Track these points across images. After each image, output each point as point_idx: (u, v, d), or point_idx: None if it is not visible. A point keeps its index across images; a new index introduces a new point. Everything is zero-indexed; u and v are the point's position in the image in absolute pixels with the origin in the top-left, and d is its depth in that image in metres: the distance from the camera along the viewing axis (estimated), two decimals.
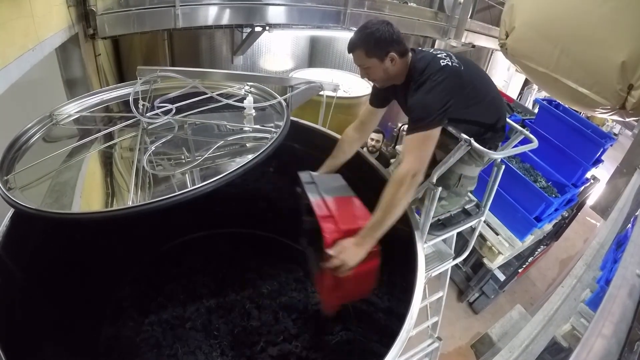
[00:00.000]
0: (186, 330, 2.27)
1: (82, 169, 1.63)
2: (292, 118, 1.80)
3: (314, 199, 1.62)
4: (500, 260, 3.66)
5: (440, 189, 1.69)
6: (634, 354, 1.05)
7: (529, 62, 3.01)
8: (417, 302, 1.45)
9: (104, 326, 2.21)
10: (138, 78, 1.96)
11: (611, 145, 3.70)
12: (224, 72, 2.24)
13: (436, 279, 2.32)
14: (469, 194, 2.15)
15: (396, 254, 1.90)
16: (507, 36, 3.18)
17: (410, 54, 1.54)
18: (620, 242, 2.04)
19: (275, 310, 2.43)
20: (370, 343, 2.23)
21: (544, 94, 5.59)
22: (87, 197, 1.60)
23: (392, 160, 2.23)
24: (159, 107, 1.76)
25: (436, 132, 1.43)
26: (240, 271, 2.65)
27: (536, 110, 4.30)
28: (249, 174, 1.42)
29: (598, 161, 3.79)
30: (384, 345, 1.33)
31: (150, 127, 1.71)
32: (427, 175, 1.67)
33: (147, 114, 1.73)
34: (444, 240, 2.12)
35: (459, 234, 2.14)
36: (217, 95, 1.90)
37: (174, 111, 1.75)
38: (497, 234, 3.69)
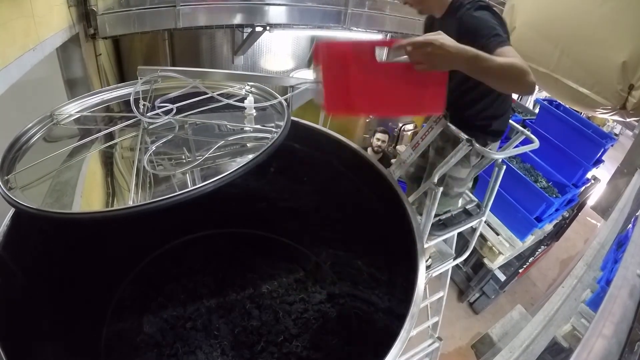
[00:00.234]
0: (186, 330, 2.27)
1: (83, 168, 1.63)
2: (292, 118, 1.79)
3: None
4: (500, 260, 3.66)
5: (441, 189, 1.70)
6: (635, 355, 1.05)
7: (529, 62, 2.97)
8: (417, 302, 1.45)
9: (104, 326, 2.21)
10: (139, 78, 1.96)
11: (612, 146, 3.70)
12: (225, 72, 2.24)
13: (437, 279, 2.32)
14: (467, 195, 2.15)
15: (397, 253, 1.90)
16: None
17: None
18: (620, 243, 2.03)
19: (275, 310, 2.43)
20: (370, 343, 2.22)
21: (544, 94, 5.58)
22: (88, 197, 1.60)
23: (392, 160, 2.23)
24: (159, 107, 1.76)
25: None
26: (240, 271, 2.65)
27: (537, 111, 4.31)
28: (249, 174, 1.42)
29: (599, 161, 3.79)
30: (385, 346, 1.33)
31: (150, 127, 1.71)
32: (429, 175, 1.67)
33: (148, 114, 1.73)
34: (445, 241, 2.12)
35: (459, 234, 2.14)
36: (218, 95, 1.90)
37: (174, 111, 1.75)
38: (497, 234, 3.69)
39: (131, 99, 1.73)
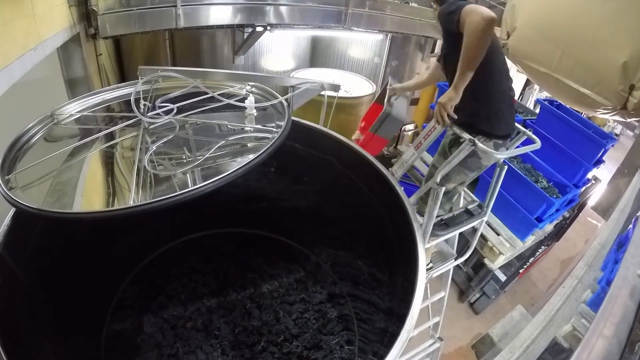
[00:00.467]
0: (187, 330, 2.27)
1: (83, 168, 1.63)
2: (293, 118, 1.80)
3: None
4: (501, 260, 3.65)
5: (444, 188, 1.70)
6: (635, 355, 1.04)
7: (530, 62, 3.01)
8: (418, 303, 1.45)
9: (104, 326, 2.21)
10: (139, 78, 1.96)
11: (612, 146, 3.69)
12: (225, 72, 2.24)
13: (437, 279, 2.32)
14: (469, 195, 2.14)
15: (397, 254, 1.90)
16: (508, 36, 3.17)
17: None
18: (621, 243, 2.03)
19: (276, 310, 2.43)
20: (371, 343, 2.22)
21: (545, 95, 5.58)
22: (88, 197, 1.60)
23: (393, 161, 2.23)
24: (160, 107, 1.76)
25: None
26: (241, 271, 2.65)
27: (537, 111, 4.30)
28: (250, 174, 1.42)
29: (599, 162, 3.78)
30: (385, 346, 1.33)
31: (151, 126, 1.71)
32: (430, 175, 1.68)
33: (149, 114, 1.73)
34: (446, 241, 2.12)
35: (459, 234, 2.14)
36: (218, 95, 1.90)
37: (175, 111, 1.75)
38: (498, 234, 3.68)
39: (132, 98, 1.73)
